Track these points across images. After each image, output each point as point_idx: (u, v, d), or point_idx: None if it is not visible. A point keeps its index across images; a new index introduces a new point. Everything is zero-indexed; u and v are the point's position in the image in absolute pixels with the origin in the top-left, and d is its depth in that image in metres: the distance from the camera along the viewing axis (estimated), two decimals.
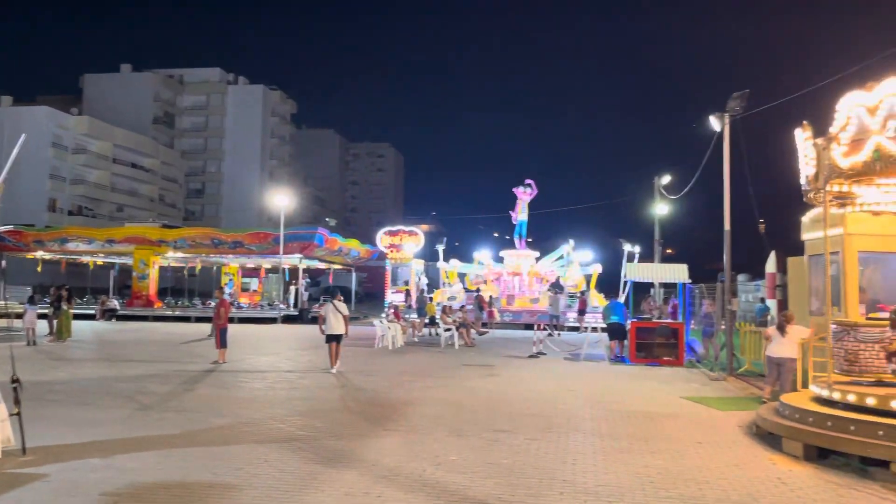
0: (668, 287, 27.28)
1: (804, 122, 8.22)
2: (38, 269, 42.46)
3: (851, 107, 7.67)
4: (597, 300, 33.89)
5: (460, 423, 9.65)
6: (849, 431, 7.50)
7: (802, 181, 9.36)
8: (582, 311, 29.95)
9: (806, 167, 8.29)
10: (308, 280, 38.77)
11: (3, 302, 24.25)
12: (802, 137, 8.27)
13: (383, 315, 26.11)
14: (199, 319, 32.69)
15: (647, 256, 37.44)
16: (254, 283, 43.11)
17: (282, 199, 38.09)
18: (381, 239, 41.08)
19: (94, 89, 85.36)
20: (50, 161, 69.14)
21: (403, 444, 8.32)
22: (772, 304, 22.76)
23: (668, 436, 9.05)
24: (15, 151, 7.78)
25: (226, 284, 40.00)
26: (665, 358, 17.63)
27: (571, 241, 35.68)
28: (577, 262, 35.41)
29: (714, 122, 16.15)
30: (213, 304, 26.57)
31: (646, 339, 17.91)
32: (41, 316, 22.02)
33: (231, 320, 18.08)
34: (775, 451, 8.23)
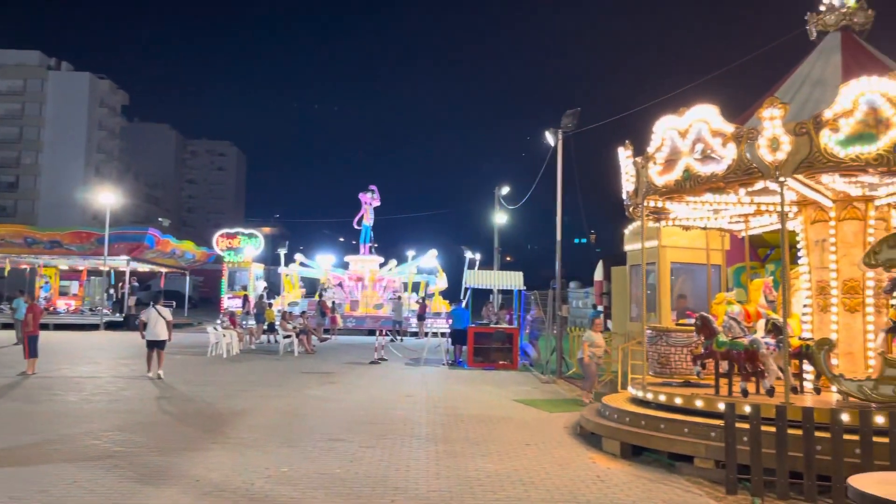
0: (507, 293, 28.36)
1: (626, 142, 8.83)
2: None
3: (665, 129, 8.31)
4: (442, 306, 34.54)
5: (294, 433, 9.41)
6: (659, 429, 8.12)
7: (624, 196, 10.05)
8: (421, 317, 30.34)
9: (627, 183, 8.92)
10: (137, 284, 36.22)
11: None
12: (624, 155, 8.88)
13: (218, 321, 24.96)
14: (7, 326, 29.58)
15: (487, 264, 38.74)
16: (74, 287, 39.66)
17: (108, 197, 35.35)
18: (219, 241, 39.30)
19: None
20: None
21: (232, 456, 7.97)
22: (595, 310, 24.35)
23: (499, 438, 9.35)
24: None
25: (41, 288, 36.48)
26: (501, 362, 18.26)
27: (434, 251, 36.14)
28: (440, 269, 35.87)
29: (549, 137, 16.99)
30: (13, 308, 23.97)
31: (483, 344, 18.46)
32: None
33: (45, 327, 16.51)
34: (596, 450, 8.75)
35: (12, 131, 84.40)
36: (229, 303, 33.54)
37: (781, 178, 7.66)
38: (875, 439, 6.39)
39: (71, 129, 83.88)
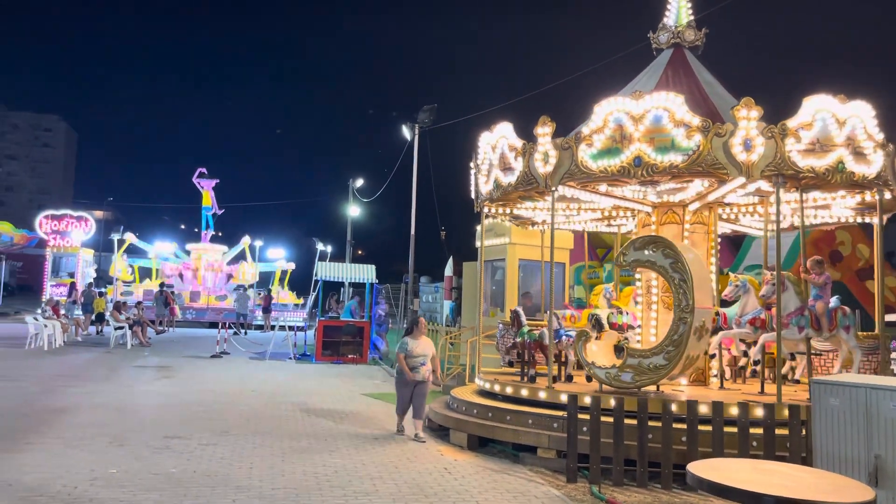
0: (358, 287, 28.16)
1: (544, 118, 8.71)
2: None
3: (612, 111, 8.27)
4: (288, 297, 33.62)
5: (125, 431, 8.72)
6: (505, 421, 8.33)
7: (491, 184, 9.96)
8: (267, 309, 29.39)
9: (544, 166, 8.66)
10: None
11: None
12: (539, 133, 8.69)
13: (39, 311, 22.76)
14: None
15: (338, 256, 38.31)
16: None
17: None
18: (42, 223, 35.86)
19: None
20: None
21: (52, 458, 7.23)
22: (448, 304, 24.77)
23: (347, 433, 9.19)
24: None
25: None
26: (350, 356, 18.06)
27: (247, 237, 34.66)
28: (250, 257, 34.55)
29: (406, 132, 17.01)
30: None
31: (332, 338, 18.17)
32: None
33: None
34: (445, 442, 8.83)
35: None
36: (53, 291, 30.68)
37: (553, 188, 8.75)
38: (700, 427, 6.91)
39: None
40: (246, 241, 34.17)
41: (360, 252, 38.38)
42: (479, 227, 14.54)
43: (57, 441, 8.01)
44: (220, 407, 10.85)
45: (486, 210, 10.81)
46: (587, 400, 7.30)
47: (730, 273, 12.84)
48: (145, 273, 34.18)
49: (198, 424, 9.35)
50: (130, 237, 32.84)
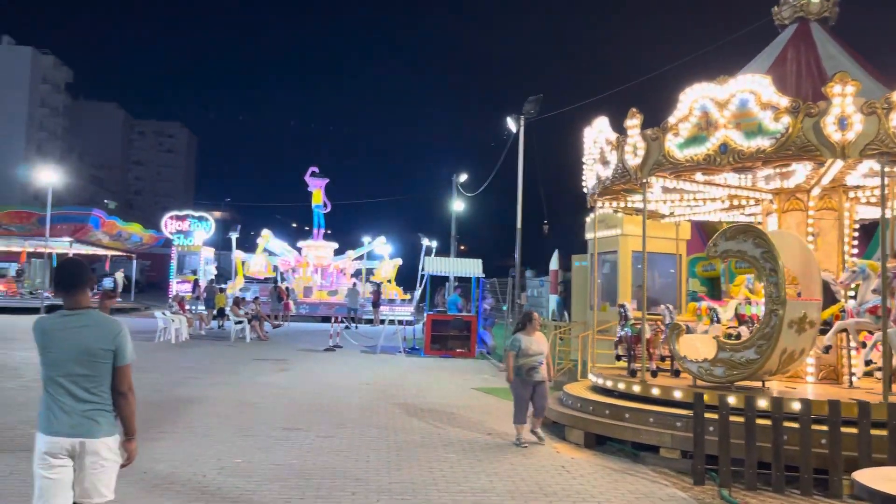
0: (463, 281, 28.24)
1: (632, 110, 8.53)
2: None
3: (697, 98, 7.99)
4: (395, 293, 34.18)
5: (247, 422, 9.03)
6: (624, 419, 8.01)
7: (596, 177, 9.80)
8: (376, 304, 29.97)
9: (634, 158, 8.50)
10: None
11: None
12: (629, 125, 8.54)
13: (166, 306, 24.19)
14: None
15: (442, 251, 38.49)
16: (13, 269, 38.05)
17: (50, 175, 33.91)
18: (167, 224, 38.13)
19: None
20: None
21: (182, 447, 7.57)
22: (554, 299, 24.37)
23: (460, 428, 9.13)
24: None
25: None
26: (458, 350, 18.08)
27: (383, 237, 35.59)
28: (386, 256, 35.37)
29: (511, 124, 16.80)
30: None
31: (440, 332, 18.25)
32: None
33: None
34: (559, 439, 8.61)
35: None
36: (178, 287, 32.54)
37: (643, 180, 8.42)
38: (843, 430, 6.37)
39: (10, 106, 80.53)
40: (381, 239, 34.98)
41: (462, 247, 38.43)
42: (588, 220, 14.18)
43: (186, 431, 8.39)
44: (335, 400, 11.07)
45: (598, 204, 10.52)
46: (708, 398, 6.89)
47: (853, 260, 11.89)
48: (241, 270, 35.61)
49: (315, 417, 9.56)
50: (268, 235, 34.24)
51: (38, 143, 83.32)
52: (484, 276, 19.68)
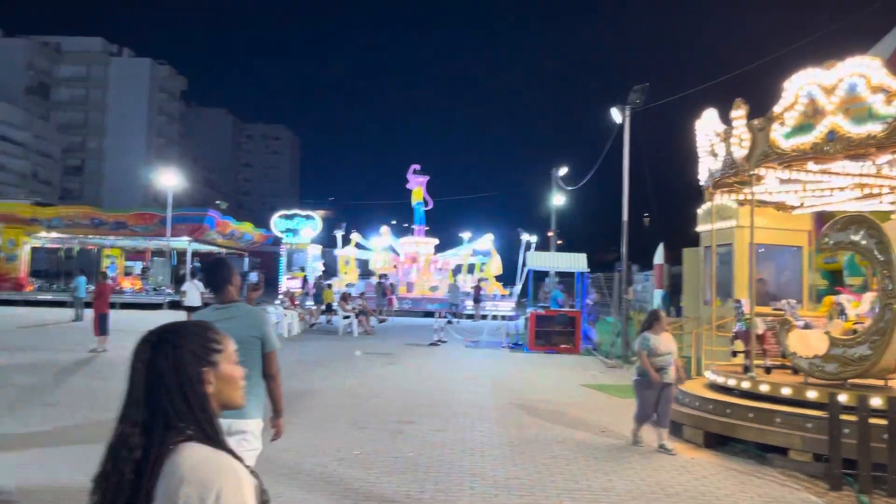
0: (565, 276, 27.92)
1: (738, 101, 8.23)
2: None
3: (803, 85, 7.61)
4: (496, 288, 34.18)
5: (361, 415, 9.25)
6: (747, 419, 7.66)
7: (707, 170, 9.49)
8: (477, 299, 30.08)
9: (740, 150, 8.25)
10: (198, 264, 36.93)
11: None
12: (734, 116, 8.28)
13: (278, 302, 25.17)
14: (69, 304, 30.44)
15: (540, 246, 38.14)
16: (138, 267, 40.71)
17: (170, 179, 36.03)
18: (277, 223, 39.70)
19: None
20: None
21: (303, 437, 7.83)
22: (659, 293, 23.67)
23: (572, 424, 9.01)
24: None
25: (107, 268, 37.49)
26: (563, 346, 17.87)
27: (490, 234, 35.77)
28: (494, 253, 35.48)
29: (615, 114, 16.40)
30: (73, 286, 24.95)
31: (544, 328, 18.10)
32: None
33: (112, 306, 16.77)
34: (676, 439, 8.34)
35: (78, 116, 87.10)
36: (288, 284, 33.83)
37: (750, 172, 7.99)
38: None
39: (132, 114, 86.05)
40: (489, 237, 35.20)
41: (559, 242, 37.93)
42: (701, 211, 13.64)
43: (305, 422, 8.68)
44: (444, 394, 11.18)
45: (717, 198, 10.13)
46: (842, 399, 6.48)
47: None
48: (364, 266, 36.51)
49: (425, 410, 9.69)
50: (356, 238, 35.23)
51: (157, 148, 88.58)
52: (589, 270, 19.34)
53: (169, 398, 1.53)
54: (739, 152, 8.31)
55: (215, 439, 1.56)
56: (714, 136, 9.06)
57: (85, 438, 7.47)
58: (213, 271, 4.32)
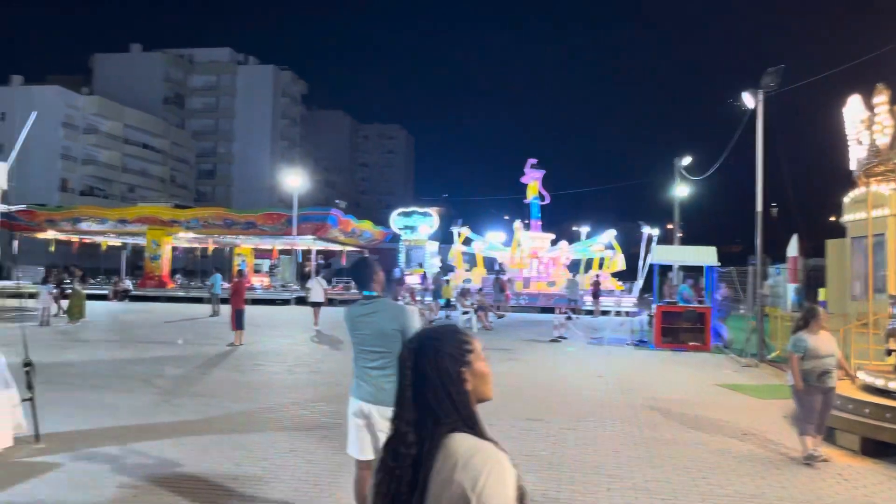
0: (689, 270, 26.82)
1: (879, 86, 7.66)
2: (51, 248, 42.25)
3: None
4: (612, 284, 33.40)
5: (488, 411, 9.10)
6: None
7: (856, 159, 8.85)
8: (596, 295, 29.42)
9: (882, 137, 7.73)
10: (323, 261, 38.43)
11: (16, 282, 23.95)
12: (876, 103, 7.72)
13: (399, 298, 25.71)
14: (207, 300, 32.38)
15: (661, 239, 36.80)
16: (266, 265, 42.83)
17: (295, 180, 37.65)
18: (395, 220, 40.59)
19: (105, 69, 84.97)
20: (61, 141, 68.96)
21: None
22: (792, 288, 22.24)
23: (710, 425, 8.59)
24: (25, 129, 7.41)
25: (238, 266, 39.71)
26: (691, 343, 17.14)
27: (613, 230, 35.11)
28: (617, 248, 34.77)
29: (747, 99, 15.49)
30: (210, 283, 26.60)
31: (671, 324, 17.42)
32: (64, 296, 21.90)
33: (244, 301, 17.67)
34: (827, 443, 7.76)
35: (209, 123, 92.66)
36: (408, 280, 34.51)
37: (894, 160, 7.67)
38: None
39: (258, 119, 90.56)
40: (611, 232, 34.65)
41: (679, 234, 36.43)
42: (847, 200, 12.66)
43: None
44: (569, 391, 10.98)
45: (865, 186, 9.40)
46: None
47: None
48: (481, 262, 36.64)
49: (552, 408, 9.53)
50: (465, 231, 35.49)
51: (280, 151, 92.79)
52: (720, 264, 18.44)
53: (435, 397, 1.71)
54: (882, 139, 7.71)
55: (478, 430, 1.72)
56: (858, 124, 8.45)
57: (230, 428, 7.87)
58: (359, 269, 4.59)
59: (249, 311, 16.79)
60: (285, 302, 33.51)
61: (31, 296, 21.83)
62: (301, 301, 33.80)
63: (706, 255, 17.95)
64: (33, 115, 8.32)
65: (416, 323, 4.43)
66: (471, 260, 36.21)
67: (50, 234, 40.72)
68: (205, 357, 14.01)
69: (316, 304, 21.34)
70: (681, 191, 32.79)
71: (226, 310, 20.49)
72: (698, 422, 8.84)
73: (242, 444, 7.17)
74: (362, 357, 4.42)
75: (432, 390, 1.71)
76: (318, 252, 38.99)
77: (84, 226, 39.03)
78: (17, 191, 6.74)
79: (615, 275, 34.62)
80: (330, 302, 25.48)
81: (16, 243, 39.95)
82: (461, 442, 1.67)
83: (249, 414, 8.74)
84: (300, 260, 40.76)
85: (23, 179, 40.30)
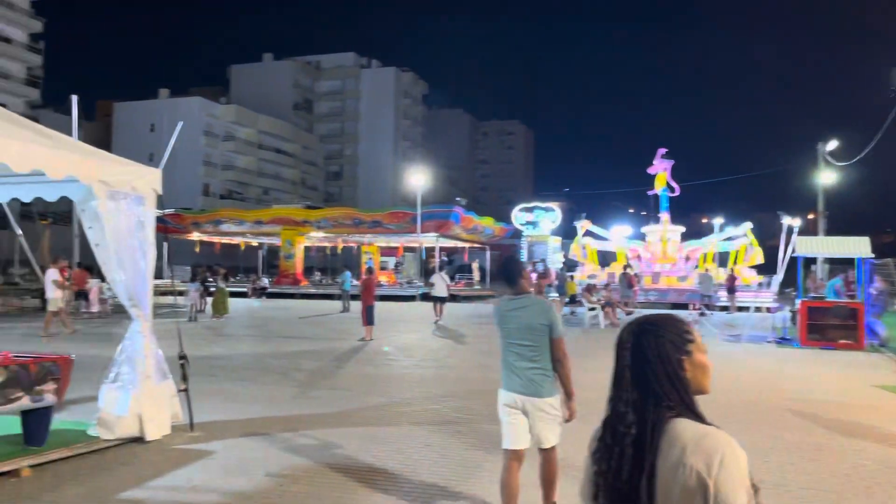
0: (834, 263, 24.96)
1: None
2: (196, 249, 45.37)
3: None
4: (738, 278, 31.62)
5: None
6: None
7: None
8: (731, 290, 27.92)
9: None
10: (446, 258, 38.95)
11: (168, 280, 25.81)
12: None
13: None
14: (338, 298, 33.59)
15: (803, 230, 34.47)
16: (391, 262, 43.93)
17: (418, 179, 38.37)
18: (517, 215, 40.41)
19: (240, 79, 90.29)
20: (202, 148, 73.93)
21: (569, 431, 7.71)
22: None
23: (871, 431, 7.88)
24: (172, 138, 7.93)
25: (366, 263, 40.98)
26: (841, 341, 15.89)
27: (749, 223, 33.35)
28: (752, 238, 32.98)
29: None
30: (339, 280, 27.70)
31: (818, 320, 16.23)
32: (209, 294, 23.43)
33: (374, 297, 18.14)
34: None
35: (335, 127, 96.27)
36: (532, 276, 34.28)
37: None
38: None
39: (381, 121, 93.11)
40: (747, 225, 33.04)
41: (823, 224, 33.92)
42: None
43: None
44: (715, 390, 10.42)
45: None
46: None
47: None
48: (606, 257, 35.81)
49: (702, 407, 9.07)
50: (586, 224, 34.78)
51: (402, 151, 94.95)
52: (873, 256, 16.98)
53: (656, 379, 1.72)
54: None
55: (701, 417, 1.74)
56: None
57: (365, 421, 8.06)
58: (508, 266, 4.77)
59: (377, 307, 17.21)
60: (410, 298, 34.20)
61: (181, 293, 23.46)
62: (426, 297, 34.44)
63: (857, 247, 16.57)
64: (179, 126, 8.87)
65: (560, 321, 4.65)
66: (597, 256, 35.44)
67: (195, 236, 43.74)
68: (338, 352, 14.50)
69: (439, 300, 21.73)
70: (826, 178, 30.58)
71: (356, 306, 21.19)
72: (856, 427, 8.14)
73: (379, 437, 7.31)
74: (510, 351, 4.59)
75: (653, 373, 1.73)
76: (441, 249, 39.52)
77: (225, 227, 41.61)
78: (165, 196, 7.24)
79: (753, 268, 32.78)
80: (453, 298, 25.75)
81: (166, 245, 43.27)
82: (686, 426, 1.68)
83: (383, 407, 8.92)
84: (424, 257, 41.50)
85: (170, 185, 43.44)
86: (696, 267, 32.30)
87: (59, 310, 17.16)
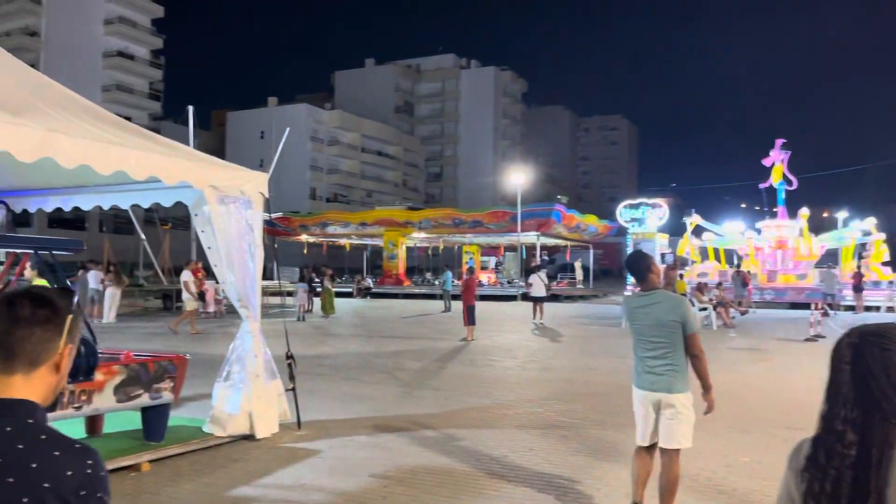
0: None
1: None
2: (304, 251, 46.96)
3: None
4: (875, 274, 29.38)
5: (740, 417, 8.40)
6: None
7: None
8: (857, 288, 26.01)
9: None
10: (547, 257, 38.48)
11: (277, 281, 26.81)
12: None
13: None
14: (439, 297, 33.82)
15: None
16: (492, 262, 43.85)
17: (518, 178, 38.10)
18: (622, 212, 39.33)
19: (343, 84, 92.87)
20: (309, 153, 76.56)
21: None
22: None
23: None
24: (280, 144, 8.14)
25: (467, 263, 41.11)
26: None
27: (872, 218, 31.16)
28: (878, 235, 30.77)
29: None
30: (442, 280, 27.69)
31: None
32: (316, 294, 24.16)
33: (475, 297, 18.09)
34: None
35: (435, 128, 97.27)
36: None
37: None
38: None
39: (481, 121, 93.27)
40: (870, 220, 30.98)
41: None
42: None
43: None
44: None
45: None
46: None
47: None
48: (722, 255, 34.28)
49: (813, 416, 8.44)
50: (696, 219, 33.41)
51: (502, 150, 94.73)
52: None
53: (883, 395, 1.56)
54: None
55: None
56: None
57: (469, 423, 7.97)
58: (636, 262, 4.74)
59: (478, 307, 17.14)
60: (511, 298, 33.96)
61: (290, 294, 24.27)
62: (525, 297, 34.13)
63: None
64: (287, 132, 9.10)
65: (694, 317, 4.61)
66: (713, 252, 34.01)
67: (303, 238, 45.26)
68: (440, 352, 14.52)
69: (538, 300, 21.22)
70: None
71: (457, 306, 21.21)
72: None
73: (482, 440, 7.20)
74: (641, 347, 4.60)
75: (879, 388, 1.57)
76: (542, 248, 39.06)
77: (331, 229, 42.84)
78: (275, 200, 7.44)
79: (887, 265, 30.49)
80: (554, 297, 25.30)
81: (276, 246, 45.05)
82: None
83: (486, 409, 8.81)
84: (524, 256, 41.15)
85: (279, 189, 45.17)
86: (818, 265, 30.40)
87: (193, 310, 17.81)
